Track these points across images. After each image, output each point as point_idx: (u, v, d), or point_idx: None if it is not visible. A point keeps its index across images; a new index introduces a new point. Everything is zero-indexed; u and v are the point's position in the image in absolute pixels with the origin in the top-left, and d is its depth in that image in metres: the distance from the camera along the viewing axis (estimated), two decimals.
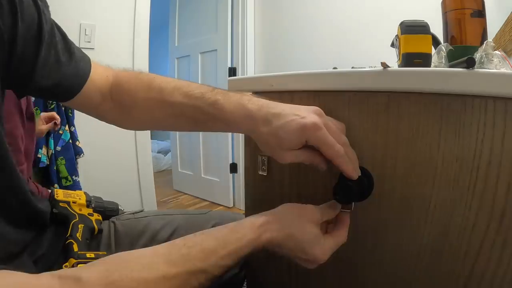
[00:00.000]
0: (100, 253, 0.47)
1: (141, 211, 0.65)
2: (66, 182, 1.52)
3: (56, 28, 0.43)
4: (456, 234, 0.39)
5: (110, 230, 0.57)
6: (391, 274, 0.46)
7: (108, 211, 0.61)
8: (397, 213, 0.44)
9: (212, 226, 0.62)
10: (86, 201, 0.58)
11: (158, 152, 3.86)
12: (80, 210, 0.56)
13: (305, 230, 0.40)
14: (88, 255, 0.46)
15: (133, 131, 1.87)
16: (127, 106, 0.49)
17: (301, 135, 0.40)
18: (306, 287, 0.56)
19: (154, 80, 0.48)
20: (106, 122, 0.52)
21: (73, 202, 0.56)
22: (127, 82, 0.49)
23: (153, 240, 0.57)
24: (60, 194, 0.56)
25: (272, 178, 0.58)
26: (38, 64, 0.40)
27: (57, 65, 0.43)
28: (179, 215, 0.64)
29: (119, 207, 0.63)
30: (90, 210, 0.57)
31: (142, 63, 1.87)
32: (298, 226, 0.40)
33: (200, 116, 0.45)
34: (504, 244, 0.36)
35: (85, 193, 0.60)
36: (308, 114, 0.41)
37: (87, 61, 0.48)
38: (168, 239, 0.58)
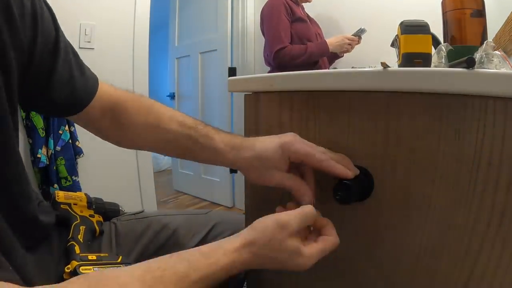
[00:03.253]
0: (102, 254, 0.47)
1: (142, 211, 0.65)
2: (65, 183, 1.52)
3: (70, 47, 0.47)
4: (456, 234, 0.39)
5: (111, 231, 0.57)
6: (391, 274, 0.46)
7: (109, 212, 0.61)
8: (397, 213, 0.44)
9: (212, 227, 0.62)
10: (87, 202, 0.58)
11: None
12: (81, 211, 0.56)
13: (280, 249, 0.39)
14: (90, 257, 0.45)
15: None
16: (124, 127, 0.51)
17: (282, 151, 0.45)
18: (306, 287, 0.56)
19: (153, 106, 0.52)
20: (101, 138, 0.54)
21: (74, 204, 0.56)
22: (129, 104, 0.51)
23: (154, 240, 0.57)
24: (61, 196, 0.56)
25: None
26: (53, 77, 0.43)
27: (70, 80, 0.45)
28: (180, 216, 0.64)
29: (120, 208, 0.63)
30: (91, 212, 0.57)
31: (142, 63, 1.87)
32: (273, 246, 0.39)
33: (191, 145, 0.49)
34: (504, 244, 0.36)
35: (85, 194, 0.60)
36: (285, 135, 0.47)
37: (95, 78, 0.51)
38: (169, 238, 0.58)
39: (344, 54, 1.78)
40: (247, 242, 0.39)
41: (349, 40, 1.64)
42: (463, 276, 0.39)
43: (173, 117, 0.50)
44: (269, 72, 1.75)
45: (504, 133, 0.35)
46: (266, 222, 0.40)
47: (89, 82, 0.49)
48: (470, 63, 0.36)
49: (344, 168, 0.43)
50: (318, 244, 0.42)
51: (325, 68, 1.72)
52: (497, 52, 0.54)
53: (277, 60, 1.63)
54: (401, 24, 0.54)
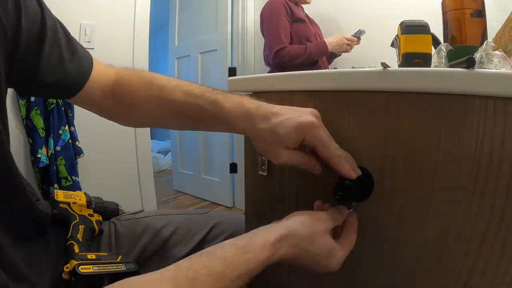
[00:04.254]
0: (101, 254, 0.47)
1: (141, 211, 0.64)
2: (65, 183, 1.52)
3: (59, 26, 0.43)
4: (456, 234, 0.39)
5: (110, 230, 0.57)
6: (391, 274, 0.46)
7: (108, 211, 0.61)
8: (397, 213, 0.44)
9: (212, 227, 0.62)
10: (86, 201, 0.58)
11: (158, 152, 3.86)
12: (81, 211, 0.56)
13: (320, 243, 0.39)
14: (89, 256, 0.45)
15: (133, 130, 1.87)
16: (128, 104, 0.49)
17: (298, 132, 0.41)
18: (305, 287, 0.56)
19: (155, 79, 0.48)
20: (107, 119, 0.52)
21: (73, 203, 0.56)
22: (128, 80, 0.49)
23: (154, 240, 0.57)
24: (60, 195, 0.56)
25: (272, 178, 0.58)
26: (41, 61, 0.40)
27: (60, 62, 0.43)
28: (179, 215, 0.64)
29: (119, 208, 0.63)
30: (91, 211, 0.57)
31: (142, 63, 1.87)
32: (313, 239, 0.38)
33: (199, 115, 0.45)
34: (504, 244, 0.36)
35: (85, 193, 0.60)
36: (305, 114, 0.42)
37: (89, 58, 0.48)
38: (168, 238, 0.58)
39: (343, 53, 1.78)
40: (287, 233, 0.37)
41: (348, 40, 1.65)
42: (463, 276, 0.39)
43: (177, 86, 0.47)
44: (269, 72, 1.76)
45: (504, 133, 0.35)
46: (304, 215, 0.40)
47: (83, 63, 0.46)
48: (470, 63, 0.36)
49: (349, 169, 0.42)
50: (346, 246, 0.42)
51: (325, 68, 1.72)
52: (497, 52, 0.54)
53: (277, 60, 1.64)
54: (401, 24, 0.54)
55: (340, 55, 1.80)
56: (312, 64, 1.66)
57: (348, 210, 0.45)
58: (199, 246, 0.59)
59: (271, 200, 0.59)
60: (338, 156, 0.42)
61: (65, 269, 0.43)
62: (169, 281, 0.30)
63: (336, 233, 0.45)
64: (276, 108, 0.43)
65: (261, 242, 0.36)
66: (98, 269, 0.43)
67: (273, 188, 0.58)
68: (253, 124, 0.42)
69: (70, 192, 0.58)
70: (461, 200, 0.38)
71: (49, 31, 0.40)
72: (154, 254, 0.56)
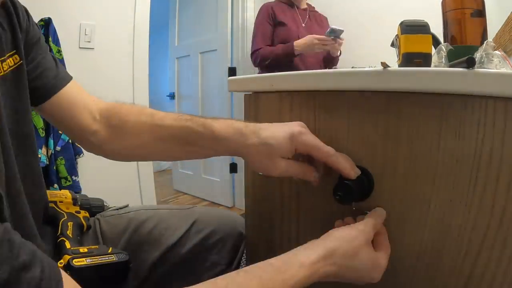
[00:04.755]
0: (93, 247, 0.48)
1: (126, 206, 0.65)
2: (65, 182, 1.52)
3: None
4: (456, 234, 0.39)
5: (95, 227, 0.58)
6: (391, 274, 0.46)
7: (94, 207, 0.62)
8: (397, 213, 0.44)
9: (193, 223, 0.61)
10: (72, 199, 0.59)
11: None
12: (68, 208, 0.57)
13: (363, 257, 0.38)
14: (81, 249, 0.46)
15: None
16: (116, 127, 0.49)
17: (289, 141, 0.42)
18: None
19: (145, 107, 0.51)
20: (95, 152, 0.53)
21: (59, 202, 0.57)
22: (118, 106, 0.51)
23: (137, 231, 0.58)
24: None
25: (272, 178, 0.58)
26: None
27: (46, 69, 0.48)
28: (162, 210, 0.64)
29: (105, 203, 0.64)
30: (77, 208, 0.58)
31: (142, 63, 1.87)
32: (354, 255, 0.37)
33: (189, 137, 0.45)
34: (504, 244, 0.36)
35: (70, 192, 0.61)
36: (293, 125, 0.44)
37: (67, 73, 0.54)
38: (152, 230, 0.58)
39: (343, 54, 1.78)
40: (328, 252, 0.36)
41: (318, 40, 1.63)
42: (463, 276, 0.39)
43: (167, 114, 0.48)
44: (258, 73, 1.82)
45: (504, 133, 0.35)
46: (343, 230, 0.39)
47: (60, 73, 0.53)
48: (470, 63, 0.36)
49: (349, 167, 0.42)
50: (386, 253, 0.41)
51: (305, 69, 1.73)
52: (497, 52, 0.54)
53: (253, 61, 1.79)
54: (401, 24, 0.54)
55: (336, 60, 1.80)
56: (287, 65, 1.70)
57: (353, 208, 0.45)
58: (181, 240, 0.58)
59: (271, 200, 0.59)
60: (336, 155, 0.43)
61: (59, 264, 0.43)
62: None
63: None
64: (264, 124, 0.45)
65: (299, 264, 0.35)
66: (91, 261, 0.44)
67: (273, 188, 0.58)
68: (245, 141, 0.43)
69: (55, 192, 0.59)
70: (461, 200, 0.38)
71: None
72: (137, 249, 0.57)
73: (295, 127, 0.44)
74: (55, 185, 1.50)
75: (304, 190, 0.54)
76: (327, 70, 0.49)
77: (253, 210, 0.63)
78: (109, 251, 0.48)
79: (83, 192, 1.39)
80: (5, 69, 0.41)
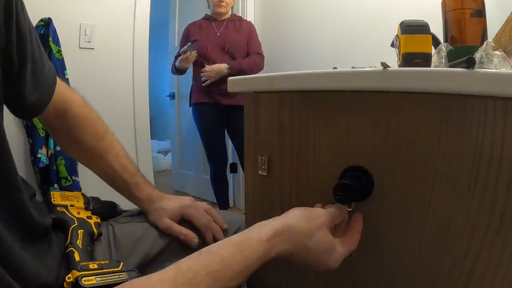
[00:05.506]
0: (103, 262, 0.46)
1: (140, 211, 0.63)
2: (65, 183, 1.52)
3: (34, 32, 0.45)
4: (456, 234, 0.39)
5: (108, 233, 0.56)
6: (391, 274, 0.46)
7: (106, 212, 0.59)
8: (397, 213, 0.44)
9: None
10: (84, 203, 0.56)
11: (158, 152, 3.86)
12: (79, 213, 0.54)
13: (319, 239, 0.39)
14: (91, 265, 0.44)
15: (133, 130, 1.87)
16: (76, 139, 0.57)
17: (179, 209, 0.59)
18: (306, 287, 0.56)
19: (106, 136, 0.59)
20: (53, 136, 0.60)
21: (70, 206, 0.54)
22: (83, 118, 0.57)
23: (154, 245, 0.56)
24: (57, 197, 0.55)
25: (272, 178, 0.58)
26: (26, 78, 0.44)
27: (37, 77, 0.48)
28: None
29: (118, 207, 0.62)
30: (89, 213, 0.55)
31: (142, 63, 1.87)
32: (310, 234, 0.39)
33: (122, 187, 0.59)
34: (504, 244, 0.36)
35: (82, 194, 0.58)
36: (185, 199, 0.61)
37: (54, 72, 0.52)
38: (170, 243, 0.57)
39: (343, 54, 1.78)
40: (283, 228, 0.37)
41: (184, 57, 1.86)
42: (463, 276, 0.39)
43: (118, 156, 0.59)
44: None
45: (504, 133, 0.35)
46: (301, 210, 0.41)
47: (50, 74, 0.51)
48: (470, 63, 0.36)
49: (211, 238, 0.58)
50: (346, 245, 0.42)
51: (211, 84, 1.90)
52: (497, 52, 0.54)
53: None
54: (401, 24, 0.54)
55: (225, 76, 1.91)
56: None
57: (348, 209, 0.45)
58: (202, 248, 0.58)
59: (271, 200, 0.59)
60: (208, 227, 0.58)
61: (66, 279, 0.42)
62: (169, 282, 0.30)
63: (339, 232, 0.45)
64: (166, 195, 0.62)
65: (256, 238, 0.36)
66: (101, 280, 0.42)
67: (273, 188, 0.58)
68: (151, 206, 0.60)
69: (67, 193, 0.57)
70: (461, 200, 0.38)
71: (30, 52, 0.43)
72: (154, 260, 0.55)
73: (187, 200, 0.61)
74: (55, 185, 1.50)
75: (304, 190, 0.54)
76: (327, 70, 0.49)
77: (253, 210, 0.63)
78: (120, 267, 0.46)
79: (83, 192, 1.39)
80: None
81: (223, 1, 1.98)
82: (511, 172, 0.35)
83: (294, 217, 0.40)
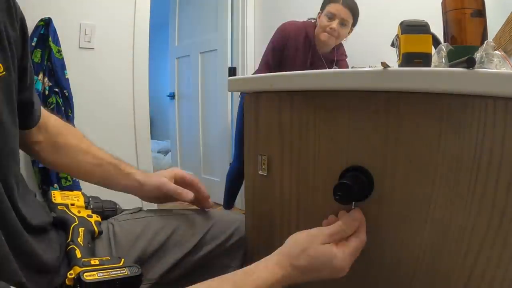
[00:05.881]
0: (104, 258, 0.46)
1: (139, 209, 0.64)
2: (65, 182, 1.52)
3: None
4: (456, 234, 0.39)
5: (108, 231, 0.57)
6: (391, 274, 0.46)
7: (106, 211, 0.60)
8: (397, 213, 0.44)
9: (211, 226, 0.62)
10: (84, 202, 0.57)
11: (158, 152, 3.86)
12: (79, 212, 0.55)
13: (315, 253, 0.41)
14: (92, 261, 0.44)
15: (133, 131, 1.87)
16: (59, 144, 0.59)
17: (171, 172, 0.64)
18: (305, 287, 0.56)
19: (83, 138, 0.63)
20: (34, 157, 0.61)
21: (71, 205, 0.55)
22: (63, 127, 0.62)
23: (152, 242, 0.57)
24: (57, 196, 0.55)
25: (272, 178, 0.58)
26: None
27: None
28: (178, 215, 0.64)
29: (117, 206, 0.63)
30: (89, 212, 0.56)
31: (142, 63, 1.87)
32: (307, 254, 0.41)
33: (113, 170, 0.61)
34: (504, 244, 0.36)
35: (82, 193, 0.59)
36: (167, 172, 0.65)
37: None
38: (167, 240, 0.58)
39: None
40: (283, 254, 0.42)
41: None
42: (463, 276, 0.39)
43: (101, 149, 0.62)
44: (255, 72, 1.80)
45: (504, 133, 0.35)
46: (298, 235, 0.44)
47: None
48: (470, 63, 0.36)
49: (186, 191, 0.61)
50: (350, 243, 0.43)
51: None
52: (497, 52, 0.54)
53: None
54: (401, 24, 0.54)
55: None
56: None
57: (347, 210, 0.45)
58: (198, 246, 0.59)
59: (271, 200, 0.59)
60: (198, 182, 0.65)
61: (68, 275, 0.42)
62: None
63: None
64: (152, 174, 0.65)
65: (264, 265, 0.41)
66: (103, 275, 0.42)
67: (273, 188, 0.58)
68: (144, 182, 0.61)
69: (67, 193, 0.57)
70: (461, 200, 0.38)
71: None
72: (153, 256, 0.56)
73: (163, 176, 0.63)
74: (55, 185, 1.50)
75: (304, 190, 0.54)
76: (327, 70, 0.49)
77: (253, 210, 0.63)
78: (121, 263, 0.46)
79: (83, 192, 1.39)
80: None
81: (334, 30, 1.48)
82: (511, 172, 0.35)
83: (289, 244, 0.44)
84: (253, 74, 1.77)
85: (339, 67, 1.67)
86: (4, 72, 0.39)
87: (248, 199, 0.63)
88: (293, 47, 1.62)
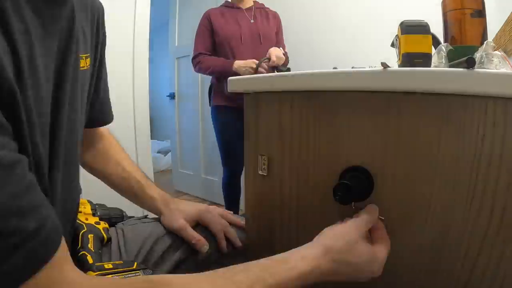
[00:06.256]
0: (117, 262, 0.46)
1: (145, 216, 0.65)
2: None
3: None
4: (456, 234, 0.39)
5: (118, 236, 0.57)
6: (391, 274, 0.46)
7: (113, 218, 0.60)
8: (397, 213, 0.44)
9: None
10: (91, 209, 0.57)
11: (158, 152, 3.86)
12: (87, 219, 0.55)
13: (359, 252, 0.39)
14: (106, 266, 0.44)
15: (133, 131, 1.87)
16: (104, 151, 0.65)
17: (196, 213, 0.61)
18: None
19: (122, 152, 0.67)
20: (91, 158, 0.65)
21: (79, 212, 0.55)
22: (111, 139, 0.68)
23: (158, 242, 0.57)
24: None
25: (272, 178, 0.58)
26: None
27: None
28: None
29: (124, 213, 0.63)
30: (97, 219, 0.56)
31: (142, 63, 1.87)
32: (350, 250, 0.39)
33: (137, 189, 0.63)
34: (504, 244, 0.36)
35: (88, 201, 0.59)
36: (199, 204, 0.65)
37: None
38: (170, 245, 0.58)
39: (344, 53, 1.78)
40: (327, 248, 0.38)
41: (254, 65, 1.56)
42: (463, 276, 0.39)
43: (131, 162, 0.66)
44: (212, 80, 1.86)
45: (504, 133, 0.35)
46: (334, 228, 0.41)
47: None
48: (470, 63, 0.36)
49: (225, 245, 0.59)
50: (385, 246, 0.41)
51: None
52: (497, 52, 0.54)
53: (194, 67, 1.80)
54: (401, 24, 0.54)
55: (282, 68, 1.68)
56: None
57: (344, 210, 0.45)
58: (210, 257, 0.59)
59: (271, 200, 0.59)
60: (220, 233, 0.59)
61: None
62: (208, 282, 0.32)
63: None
64: (182, 200, 0.66)
65: (301, 256, 0.37)
66: None
67: (273, 188, 0.58)
68: (167, 204, 0.62)
69: None
70: (461, 200, 0.38)
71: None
72: (158, 257, 0.56)
73: (203, 205, 0.64)
74: None
75: (304, 190, 0.54)
76: (327, 70, 0.49)
77: (253, 211, 0.63)
78: (135, 266, 0.46)
79: (84, 195, 1.39)
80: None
81: None
82: (511, 172, 0.35)
83: (331, 237, 0.40)
84: None
85: (262, 14, 1.77)
86: (89, 66, 0.44)
87: (248, 199, 0.63)
88: (218, 17, 1.73)
